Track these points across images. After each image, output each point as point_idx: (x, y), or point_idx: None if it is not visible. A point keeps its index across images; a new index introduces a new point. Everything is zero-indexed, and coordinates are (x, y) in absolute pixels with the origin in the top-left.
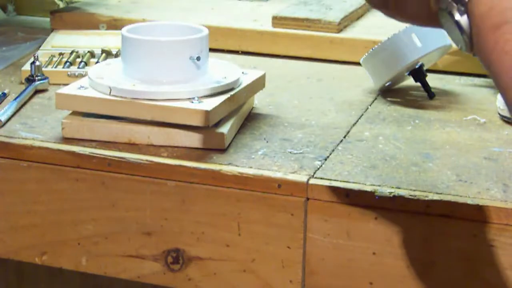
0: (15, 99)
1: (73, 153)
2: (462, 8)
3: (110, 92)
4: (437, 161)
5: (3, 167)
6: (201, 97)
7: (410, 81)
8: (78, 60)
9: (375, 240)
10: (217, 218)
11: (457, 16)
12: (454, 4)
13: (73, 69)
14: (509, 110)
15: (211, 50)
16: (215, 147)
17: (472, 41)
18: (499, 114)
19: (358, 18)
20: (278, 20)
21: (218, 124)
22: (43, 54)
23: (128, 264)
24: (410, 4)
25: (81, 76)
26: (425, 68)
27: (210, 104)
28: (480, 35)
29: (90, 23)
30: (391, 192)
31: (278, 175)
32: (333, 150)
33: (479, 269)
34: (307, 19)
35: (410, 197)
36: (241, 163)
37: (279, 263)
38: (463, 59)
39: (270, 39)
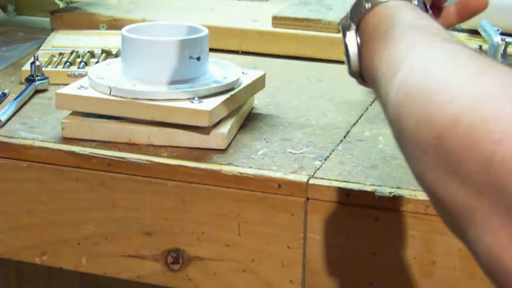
0: (15, 99)
1: (73, 153)
2: (353, 26)
3: (110, 92)
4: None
5: (3, 167)
6: (201, 97)
7: None
8: (78, 60)
9: (375, 240)
10: (217, 218)
11: (348, 37)
12: (351, 23)
13: (73, 69)
14: (380, 104)
15: (211, 50)
16: (215, 147)
17: (358, 62)
18: None
19: None
20: (278, 20)
21: (218, 124)
22: (43, 54)
23: (128, 264)
24: None
25: (81, 76)
26: None
27: (210, 104)
28: (368, 48)
29: (90, 23)
30: (391, 192)
31: (278, 175)
32: (333, 150)
33: (479, 269)
34: (307, 19)
35: (410, 197)
36: (241, 163)
37: (279, 263)
38: None
39: (270, 39)
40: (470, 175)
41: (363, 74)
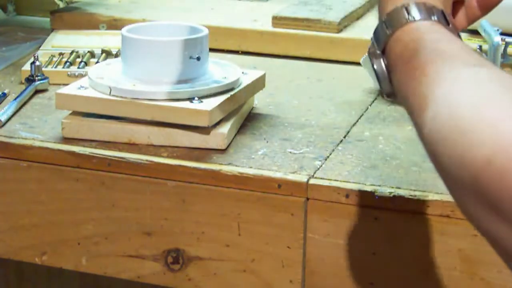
0: (15, 99)
1: (73, 153)
2: (379, 53)
3: (110, 92)
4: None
5: (3, 167)
6: (201, 97)
7: None
8: (78, 60)
9: (375, 240)
10: (217, 218)
11: (375, 64)
12: (376, 51)
13: (73, 69)
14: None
15: (211, 50)
16: (215, 147)
17: (389, 85)
18: None
19: (358, 18)
20: (278, 20)
21: (218, 124)
22: (43, 54)
23: (128, 264)
24: None
25: (81, 76)
26: None
27: (210, 104)
28: (396, 74)
29: (90, 23)
30: (391, 192)
31: (278, 175)
32: (333, 150)
33: (479, 269)
34: (307, 19)
35: (410, 197)
36: (241, 163)
37: (279, 263)
38: None
39: (270, 39)
40: (509, 213)
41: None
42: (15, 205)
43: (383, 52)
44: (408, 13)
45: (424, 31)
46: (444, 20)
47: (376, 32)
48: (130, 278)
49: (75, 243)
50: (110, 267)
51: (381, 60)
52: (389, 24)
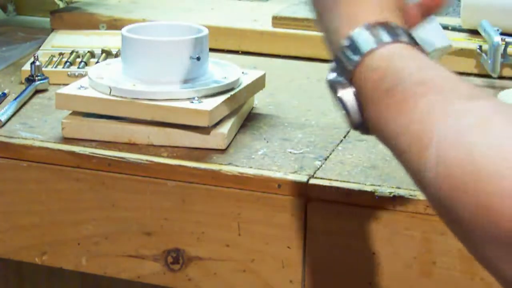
0: (15, 99)
1: (73, 153)
2: (346, 82)
3: (110, 92)
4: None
5: (3, 167)
6: (201, 97)
7: None
8: (78, 60)
9: (375, 240)
10: (217, 218)
11: (340, 92)
12: (340, 80)
13: (73, 69)
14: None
15: (211, 50)
16: (215, 147)
17: (359, 117)
18: None
19: None
20: (278, 20)
21: (218, 124)
22: (43, 54)
23: (128, 264)
24: None
25: (81, 76)
26: None
27: (210, 104)
28: (368, 104)
29: (90, 23)
30: (391, 192)
31: (278, 175)
32: (333, 150)
33: (479, 269)
34: (307, 19)
35: (410, 197)
36: (241, 163)
37: (279, 263)
38: (463, 59)
39: (270, 39)
40: None
41: (367, 126)
42: (15, 205)
43: (350, 81)
44: (375, 36)
45: (400, 56)
46: (412, 40)
47: (337, 58)
48: (130, 278)
49: (75, 243)
50: (110, 267)
51: (349, 90)
52: (354, 50)
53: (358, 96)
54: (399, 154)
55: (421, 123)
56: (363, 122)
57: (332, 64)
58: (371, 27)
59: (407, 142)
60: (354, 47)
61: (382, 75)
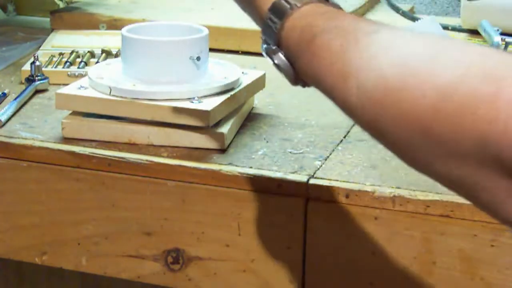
0: (15, 99)
1: (73, 153)
2: (276, 48)
3: (110, 92)
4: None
5: (3, 167)
6: (201, 97)
7: None
8: (78, 60)
9: (375, 240)
10: (217, 218)
11: (276, 59)
12: (272, 47)
13: (73, 69)
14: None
15: (211, 50)
16: (215, 147)
17: (296, 74)
18: None
19: None
20: None
21: (218, 124)
22: (43, 54)
23: (128, 264)
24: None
25: (81, 76)
26: None
27: (210, 104)
28: (299, 61)
29: (90, 23)
30: (391, 192)
31: (278, 175)
32: (333, 150)
33: (479, 269)
34: None
35: (410, 197)
36: (241, 163)
37: (279, 263)
38: None
39: None
40: (468, 155)
41: (305, 81)
42: (15, 205)
43: (279, 45)
44: (289, 2)
45: (312, 13)
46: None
47: (264, 30)
48: (130, 278)
49: (75, 243)
50: (110, 267)
51: (280, 54)
52: (275, 18)
53: (287, 56)
54: (329, 92)
55: (339, 62)
56: (298, 77)
57: (262, 36)
58: None
59: (333, 80)
60: (275, 16)
61: (302, 32)
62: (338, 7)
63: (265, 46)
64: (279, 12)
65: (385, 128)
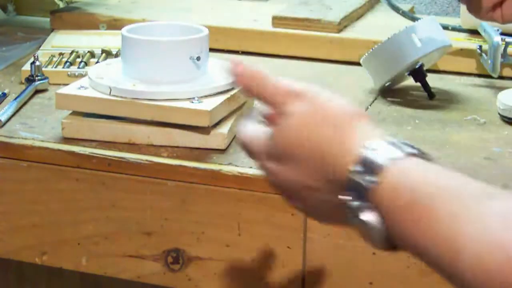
0: (15, 99)
1: (73, 153)
2: (366, 204)
3: (110, 92)
4: (437, 161)
5: (3, 167)
6: (201, 97)
7: (410, 81)
8: (78, 60)
9: None
10: (217, 218)
11: (364, 216)
12: (360, 204)
13: (73, 69)
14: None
15: (211, 50)
16: (215, 147)
17: (387, 234)
18: (499, 114)
19: (358, 18)
20: (278, 20)
21: (218, 124)
22: (43, 54)
23: (128, 264)
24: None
25: (81, 76)
26: (425, 68)
27: (210, 104)
28: (393, 221)
29: (90, 23)
30: None
31: None
32: None
33: None
34: (307, 19)
35: None
36: (241, 163)
37: (279, 263)
38: (463, 59)
39: (270, 39)
40: None
41: (396, 244)
42: (15, 205)
43: (370, 201)
44: (384, 155)
45: (412, 172)
46: (419, 151)
47: (352, 183)
48: (130, 278)
49: (75, 243)
50: (110, 267)
51: (370, 211)
52: (368, 171)
53: (379, 215)
54: (431, 263)
55: (448, 232)
56: (389, 240)
57: (344, 188)
58: (378, 147)
59: (438, 252)
60: (367, 168)
61: (398, 193)
62: (436, 163)
63: (346, 199)
64: (373, 165)
65: None
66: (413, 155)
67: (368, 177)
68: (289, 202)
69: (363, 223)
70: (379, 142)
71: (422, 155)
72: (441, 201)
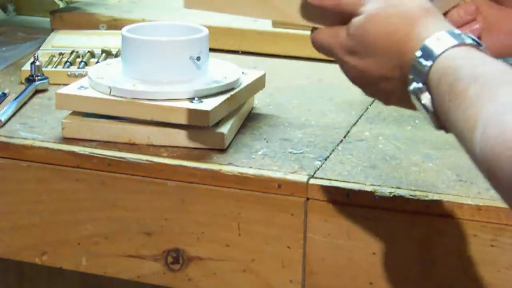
0: (15, 99)
1: (73, 153)
2: (423, 86)
3: (110, 92)
4: (437, 161)
5: (3, 167)
6: (201, 97)
7: None
8: (78, 60)
9: (375, 240)
10: (217, 218)
11: (423, 98)
12: (419, 86)
13: (73, 69)
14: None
15: (211, 50)
16: (215, 147)
17: (437, 117)
18: None
19: None
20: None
21: (218, 124)
22: (43, 54)
23: (128, 264)
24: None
25: (81, 76)
26: None
27: (210, 104)
28: (439, 102)
29: (90, 23)
30: (391, 192)
31: (278, 175)
32: (333, 150)
33: (479, 269)
34: None
35: (410, 197)
36: (241, 163)
37: (279, 263)
38: None
39: (270, 39)
40: None
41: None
42: (15, 205)
43: (425, 83)
44: (443, 42)
45: (459, 57)
46: (475, 41)
47: (414, 68)
48: (130, 278)
49: (75, 243)
50: (110, 267)
51: (427, 93)
52: (427, 57)
53: (432, 97)
54: (461, 141)
55: (471, 109)
56: (440, 120)
57: (410, 76)
58: (440, 36)
59: (463, 127)
60: (426, 55)
61: (443, 74)
62: (488, 53)
63: (413, 86)
64: (431, 51)
65: (502, 180)
66: (469, 45)
67: (426, 62)
68: (366, 94)
69: (424, 106)
70: (441, 32)
71: (478, 46)
72: (472, 83)
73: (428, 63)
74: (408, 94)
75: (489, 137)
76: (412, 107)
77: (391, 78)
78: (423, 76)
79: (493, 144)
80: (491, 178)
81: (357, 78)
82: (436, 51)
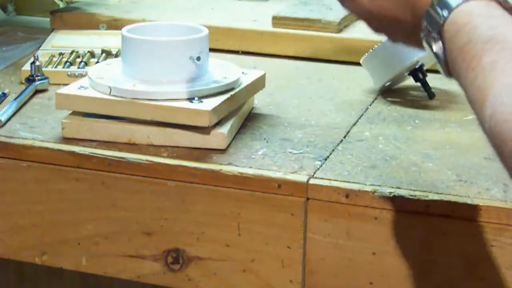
0: (15, 99)
1: (73, 153)
2: (437, 36)
3: (110, 92)
4: (437, 161)
5: (3, 167)
6: (201, 97)
7: (410, 81)
8: (78, 60)
9: (375, 240)
10: (217, 218)
11: (434, 47)
12: (432, 35)
13: (73, 69)
14: (483, 127)
15: (211, 50)
16: (215, 147)
17: (448, 67)
18: None
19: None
20: (278, 20)
21: (218, 124)
22: (43, 54)
23: (128, 264)
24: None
25: (81, 76)
26: (425, 68)
27: (210, 104)
28: (451, 57)
29: (90, 23)
30: (391, 192)
31: (278, 175)
32: (333, 150)
33: (479, 269)
34: (307, 19)
35: (410, 197)
36: (241, 163)
37: (279, 263)
38: None
39: (270, 39)
40: None
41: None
42: (15, 205)
43: (439, 34)
44: None
45: (478, 13)
46: None
47: (428, 15)
48: (130, 278)
49: (75, 243)
50: (110, 267)
51: (440, 43)
52: (443, 6)
53: (444, 47)
54: (470, 104)
55: (483, 79)
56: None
57: (424, 23)
58: None
59: (473, 96)
60: (443, 3)
61: (461, 30)
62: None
63: (424, 32)
64: (446, 3)
65: (506, 155)
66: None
67: (441, 12)
68: (379, 35)
69: (435, 54)
70: None
71: (499, 1)
72: (489, 49)
73: (444, 13)
74: (418, 37)
75: (498, 119)
76: (420, 47)
77: (404, 20)
78: (438, 26)
79: (502, 128)
80: (499, 155)
81: (372, 21)
82: (453, 2)
